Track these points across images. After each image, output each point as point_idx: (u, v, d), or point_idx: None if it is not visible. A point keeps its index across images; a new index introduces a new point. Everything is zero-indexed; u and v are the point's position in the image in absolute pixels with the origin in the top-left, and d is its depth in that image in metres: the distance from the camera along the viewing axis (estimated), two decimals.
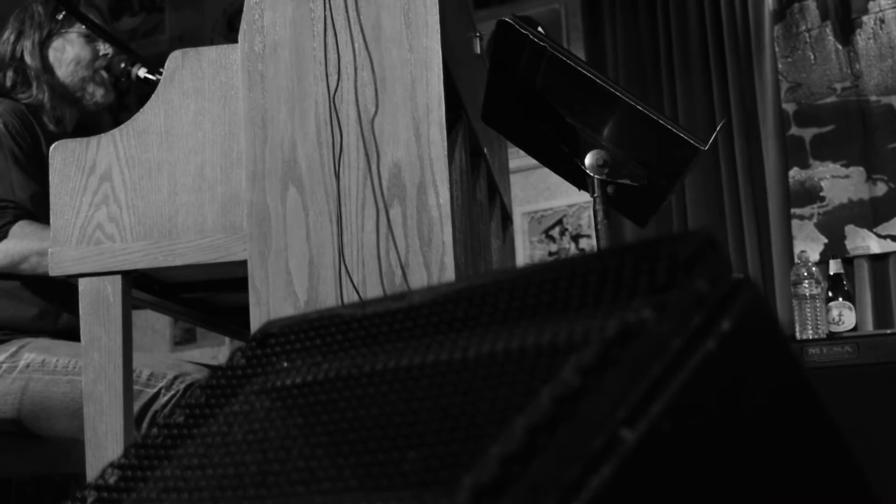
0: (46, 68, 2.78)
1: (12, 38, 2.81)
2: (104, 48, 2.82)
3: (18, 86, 2.77)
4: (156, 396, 2.29)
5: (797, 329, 3.67)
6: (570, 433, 0.66)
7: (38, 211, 2.53)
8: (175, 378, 2.32)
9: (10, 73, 2.78)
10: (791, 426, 0.79)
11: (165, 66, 2.02)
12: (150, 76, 2.67)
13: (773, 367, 0.78)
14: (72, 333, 2.57)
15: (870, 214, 4.76)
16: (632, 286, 0.77)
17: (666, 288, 0.75)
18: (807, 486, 0.79)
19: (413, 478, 0.72)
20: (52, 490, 2.88)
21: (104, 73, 2.84)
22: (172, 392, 2.30)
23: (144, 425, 2.27)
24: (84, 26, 2.76)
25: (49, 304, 2.64)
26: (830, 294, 3.78)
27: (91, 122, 2.91)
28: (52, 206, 2.01)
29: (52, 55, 2.80)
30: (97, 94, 2.84)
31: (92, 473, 1.92)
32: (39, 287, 2.62)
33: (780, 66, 5.02)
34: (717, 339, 0.72)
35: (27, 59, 2.77)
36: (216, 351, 5.90)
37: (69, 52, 2.79)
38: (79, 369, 2.36)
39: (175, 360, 2.45)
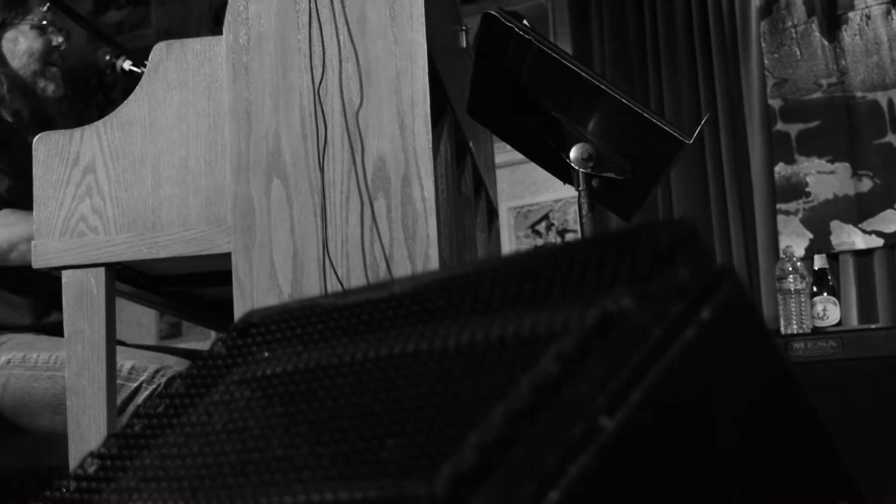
0: (0, 59, 2.74)
1: None
2: (56, 39, 2.78)
3: None
4: (137, 391, 2.28)
5: (782, 324, 3.68)
6: (549, 421, 0.66)
7: (17, 203, 2.51)
8: (156, 371, 2.30)
9: None
10: (771, 415, 0.79)
11: (150, 58, 2.02)
12: (135, 69, 2.65)
13: (754, 356, 0.78)
14: (57, 331, 2.56)
15: (855, 210, 4.77)
16: (613, 275, 0.77)
17: (647, 277, 0.75)
18: (787, 476, 0.79)
19: (392, 466, 0.72)
20: (36, 484, 2.87)
21: (54, 69, 2.81)
22: (154, 386, 2.29)
23: (125, 420, 2.25)
24: (33, 19, 2.73)
25: (34, 303, 2.63)
26: (815, 289, 3.79)
27: (49, 115, 2.88)
28: (35, 197, 2.00)
29: (5, 46, 2.73)
30: (48, 88, 2.80)
31: (74, 466, 1.91)
32: (24, 286, 2.60)
33: (766, 61, 5.03)
34: (698, 329, 0.72)
35: None
36: (202, 345, 5.88)
37: (22, 44, 2.74)
38: (59, 364, 2.34)
39: (156, 353, 2.44)
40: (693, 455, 0.72)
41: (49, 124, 2.76)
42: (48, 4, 2.77)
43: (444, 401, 0.75)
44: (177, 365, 2.36)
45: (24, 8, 2.73)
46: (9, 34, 2.75)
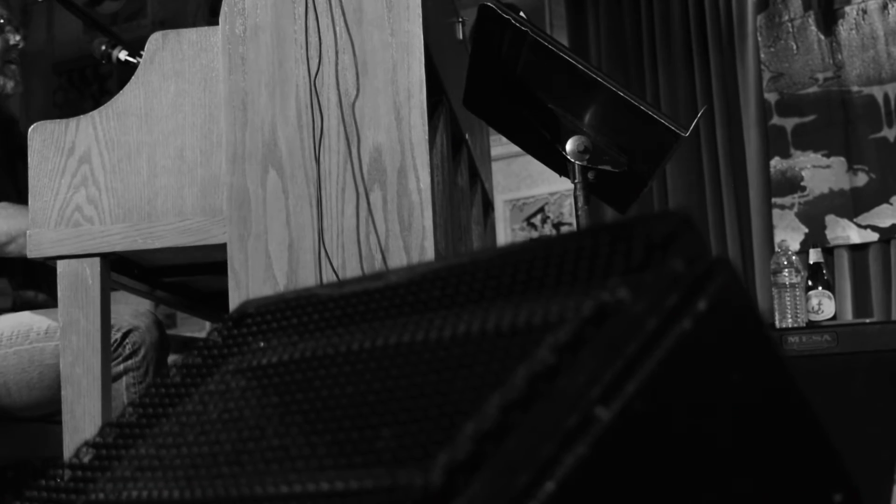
0: None
1: None
2: (14, 38, 2.78)
3: None
4: None
5: (777, 317, 3.68)
6: (544, 411, 0.66)
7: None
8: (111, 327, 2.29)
9: None
10: (766, 406, 0.79)
11: (146, 48, 2.02)
12: (130, 59, 2.64)
13: (749, 347, 0.78)
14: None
15: (850, 204, 4.77)
16: (607, 266, 0.77)
17: (642, 268, 0.75)
18: (781, 467, 0.79)
19: (387, 456, 0.72)
20: (32, 474, 2.87)
21: (13, 66, 2.80)
22: (111, 341, 2.27)
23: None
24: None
25: (6, 284, 2.62)
26: (810, 283, 3.79)
27: (9, 113, 2.88)
28: (30, 187, 1.99)
29: None
30: (7, 86, 2.78)
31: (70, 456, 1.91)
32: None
33: (762, 55, 5.03)
34: (693, 319, 0.72)
35: None
36: (196, 335, 5.88)
37: None
38: (21, 338, 2.35)
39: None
40: (688, 446, 0.72)
41: (9, 122, 2.77)
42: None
43: (439, 391, 0.76)
44: (132, 318, 2.34)
45: None
46: None
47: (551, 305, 0.77)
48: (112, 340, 2.28)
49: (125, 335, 2.32)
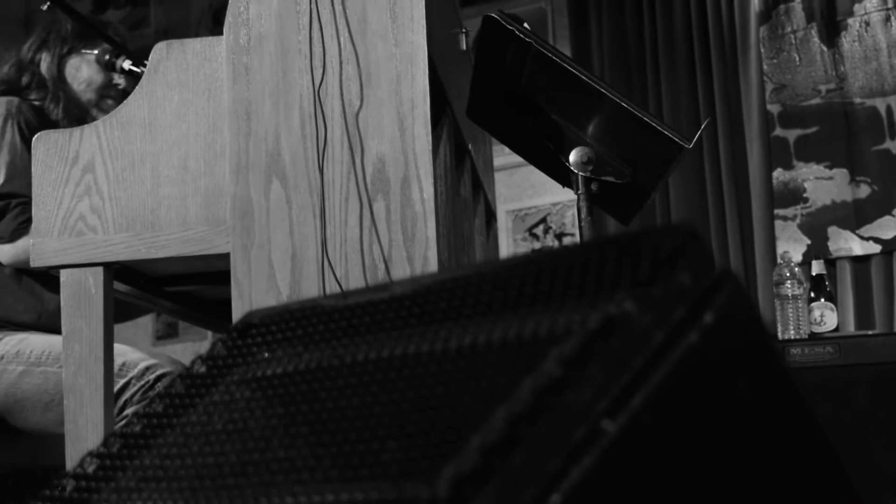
0: (61, 79, 2.82)
1: (35, 45, 2.86)
2: (117, 78, 2.84)
3: (33, 87, 2.79)
4: (126, 386, 2.29)
5: (779, 329, 3.67)
6: (551, 424, 0.65)
7: None
8: (147, 368, 2.32)
9: (26, 75, 2.80)
10: (772, 419, 0.79)
11: (150, 58, 2.02)
12: (134, 68, 2.67)
13: (755, 360, 0.78)
14: (54, 328, 2.57)
15: (853, 216, 4.77)
16: (614, 279, 0.77)
17: (649, 281, 0.75)
18: (787, 479, 0.79)
19: (393, 468, 0.72)
20: (33, 483, 2.86)
21: (110, 102, 2.86)
22: (143, 382, 2.30)
23: (116, 415, 2.28)
24: (100, 54, 2.79)
25: (35, 298, 2.63)
26: (812, 295, 3.79)
27: None
28: (34, 196, 2.00)
29: (67, 70, 2.85)
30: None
31: (72, 466, 1.91)
32: (29, 281, 2.61)
33: (765, 67, 5.04)
34: (700, 333, 0.72)
35: (42, 67, 2.83)
36: (198, 346, 5.88)
37: (84, 72, 2.83)
38: (51, 360, 2.36)
39: (147, 352, 2.45)
40: (694, 458, 0.72)
41: None
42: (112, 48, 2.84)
43: (445, 403, 0.75)
44: (168, 364, 2.38)
45: (96, 42, 2.80)
46: (73, 60, 2.85)
47: (558, 318, 0.77)
48: (145, 381, 2.31)
49: (158, 378, 2.34)
